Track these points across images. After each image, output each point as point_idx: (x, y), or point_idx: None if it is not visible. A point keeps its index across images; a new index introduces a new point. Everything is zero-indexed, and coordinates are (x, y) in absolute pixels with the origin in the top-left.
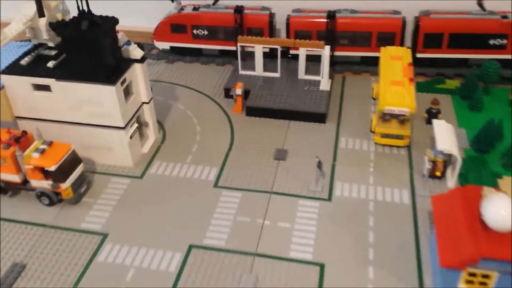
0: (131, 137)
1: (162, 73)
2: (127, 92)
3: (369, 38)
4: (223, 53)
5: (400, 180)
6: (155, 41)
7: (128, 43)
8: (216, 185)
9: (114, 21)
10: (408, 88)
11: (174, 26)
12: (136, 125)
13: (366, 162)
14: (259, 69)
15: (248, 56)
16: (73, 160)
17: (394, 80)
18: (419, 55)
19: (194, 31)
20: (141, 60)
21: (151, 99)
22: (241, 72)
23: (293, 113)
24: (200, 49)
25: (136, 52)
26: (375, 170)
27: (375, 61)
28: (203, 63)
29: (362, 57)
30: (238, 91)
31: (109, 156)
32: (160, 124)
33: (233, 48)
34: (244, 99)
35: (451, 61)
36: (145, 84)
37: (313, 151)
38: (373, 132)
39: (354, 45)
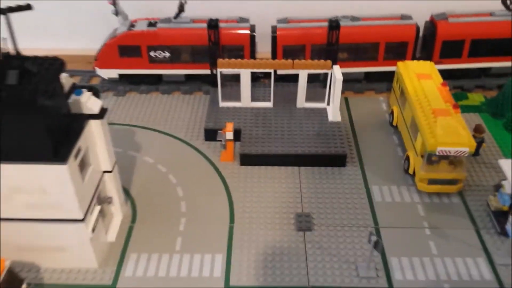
0: (93, 230)
1: (112, 110)
2: (83, 166)
3: (375, 50)
4: (189, 78)
5: (468, 244)
6: (97, 68)
7: (78, 91)
8: (227, 284)
9: (57, 64)
10: (457, 118)
11: (123, 48)
12: (98, 208)
13: (418, 220)
14: (246, 99)
15: (226, 82)
16: (11, 281)
17: (436, 108)
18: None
19: (151, 54)
20: (100, 114)
21: (115, 163)
22: (222, 104)
23: (303, 157)
24: (159, 76)
25: (91, 104)
26: (433, 232)
27: (381, 77)
28: (165, 93)
29: (366, 73)
30: (229, 135)
31: (63, 258)
32: (125, 191)
33: (204, 71)
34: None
35: (472, 71)
36: (106, 146)
37: (344, 213)
38: (409, 173)
39: (356, 59)
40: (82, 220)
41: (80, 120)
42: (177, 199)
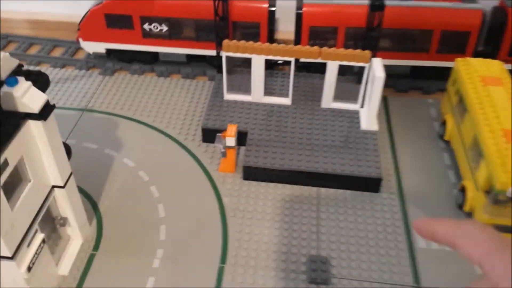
0: (29, 270)
1: (95, 94)
2: (16, 183)
3: (427, 39)
4: (192, 58)
5: None
6: (81, 40)
7: (11, 80)
8: None
9: None
10: None
11: (111, 17)
12: (40, 237)
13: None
14: (257, 93)
15: (236, 68)
16: None
17: (509, 129)
18: None
19: (146, 26)
20: (41, 114)
21: (70, 175)
22: (227, 96)
23: (324, 177)
24: (155, 54)
25: (29, 100)
26: None
27: (432, 74)
28: (161, 75)
29: (414, 67)
30: (230, 141)
31: None
32: (92, 204)
33: (210, 52)
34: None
35: None
36: (55, 155)
37: (374, 261)
38: (464, 211)
39: (402, 50)
40: (11, 258)
41: (13, 121)
42: (156, 222)
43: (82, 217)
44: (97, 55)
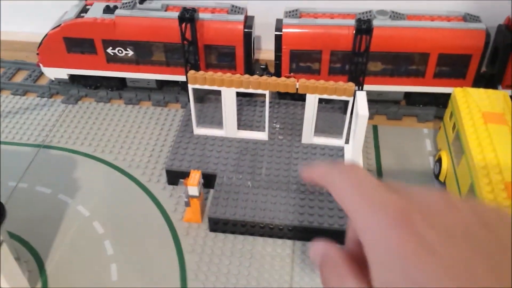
0: None
1: (54, 127)
2: None
3: (423, 63)
4: (164, 83)
5: None
6: (41, 66)
7: None
8: None
9: None
10: None
11: (71, 41)
12: None
13: None
14: (230, 127)
15: (209, 96)
16: None
17: (510, 182)
18: (505, 91)
19: (109, 51)
20: None
21: (0, 243)
22: (197, 131)
23: (300, 229)
24: (123, 79)
25: None
26: None
27: (428, 100)
28: (129, 102)
29: (408, 93)
30: (193, 190)
31: None
32: (38, 262)
33: (180, 77)
34: (204, 191)
35: None
36: None
37: None
38: None
39: (394, 74)
40: None
41: None
42: (107, 285)
43: (21, 283)
44: (60, 81)
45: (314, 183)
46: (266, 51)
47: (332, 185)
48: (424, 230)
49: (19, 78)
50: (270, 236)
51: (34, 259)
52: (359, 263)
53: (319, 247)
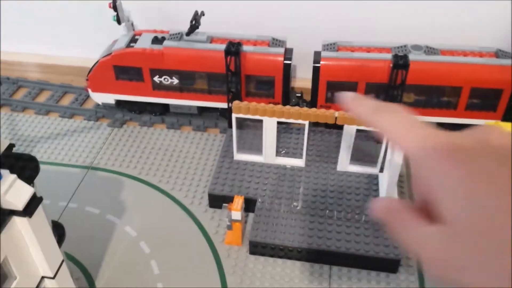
0: None
1: (101, 149)
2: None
3: (455, 96)
4: (204, 109)
5: None
6: (89, 90)
7: None
8: None
9: None
10: None
11: (120, 69)
12: None
13: None
14: (269, 154)
15: (248, 123)
16: None
17: None
18: None
19: (156, 79)
20: (26, 211)
21: (62, 263)
22: (237, 156)
23: (337, 255)
24: (166, 105)
25: (13, 196)
26: None
27: (459, 130)
28: (171, 127)
29: (440, 124)
30: (236, 215)
31: None
32: (89, 280)
33: (221, 104)
34: (244, 215)
35: None
36: (43, 249)
37: None
38: None
39: (427, 106)
40: None
41: None
42: None
43: None
44: (106, 105)
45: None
46: (301, 80)
47: (380, 123)
48: (478, 158)
49: (66, 101)
50: (308, 260)
51: (84, 276)
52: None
53: (382, 202)
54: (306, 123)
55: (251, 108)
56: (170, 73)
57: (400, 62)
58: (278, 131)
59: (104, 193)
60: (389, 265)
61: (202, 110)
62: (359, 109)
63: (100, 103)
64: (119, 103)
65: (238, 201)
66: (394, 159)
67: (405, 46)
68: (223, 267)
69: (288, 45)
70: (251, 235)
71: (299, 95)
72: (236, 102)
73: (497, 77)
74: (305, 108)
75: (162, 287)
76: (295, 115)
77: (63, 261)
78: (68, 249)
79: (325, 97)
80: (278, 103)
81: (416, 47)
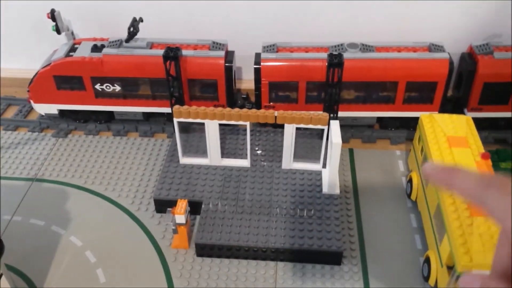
0: None
1: (46, 160)
2: None
3: (392, 90)
4: (150, 115)
5: None
6: (32, 102)
7: None
8: None
9: None
10: None
11: (61, 79)
12: None
13: None
14: (214, 156)
15: (194, 126)
16: None
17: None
18: (470, 114)
19: (97, 87)
20: None
21: (0, 276)
22: (183, 160)
23: (283, 251)
24: (111, 112)
25: None
26: None
27: (400, 124)
28: (117, 134)
29: (380, 117)
30: (180, 218)
31: None
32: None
33: (166, 110)
34: (191, 218)
35: None
36: None
37: None
38: (429, 284)
39: (367, 101)
40: None
41: None
42: None
43: None
44: (50, 116)
45: (450, 189)
46: (247, 81)
47: (487, 203)
48: None
49: (10, 113)
50: (255, 258)
51: None
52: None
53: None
54: (247, 124)
55: (192, 112)
56: (112, 80)
57: (335, 60)
58: (224, 132)
59: (49, 205)
60: (333, 258)
61: (148, 115)
62: (461, 185)
63: (43, 113)
64: (62, 113)
65: (182, 205)
66: (333, 156)
67: (341, 45)
68: (170, 272)
69: (230, 48)
70: (197, 237)
71: (245, 96)
72: (176, 107)
73: (431, 70)
74: (245, 110)
75: None
76: (235, 117)
77: (1, 275)
78: (13, 262)
79: (269, 97)
80: (223, 105)
81: (352, 45)
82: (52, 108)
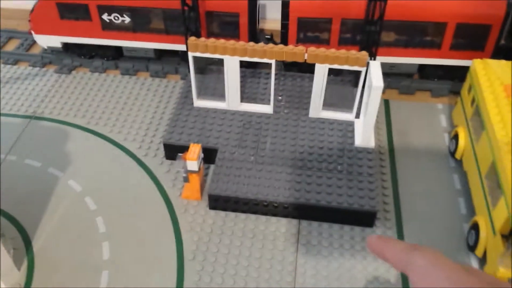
0: None
1: (46, 97)
2: None
3: (439, 34)
4: (163, 53)
5: None
6: (33, 33)
7: None
8: None
9: None
10: None
11: (64, 7)
12: None
13: None
14: (233, 100)
15: (211, 67)
16: None
17: None
18: None
19: (105, 17)
20: None
21: None
22: (198, 103)
23: (307, 208)
24: (119, 48)
25: None
26: None
27: (444, 74)
28: (126, 73)
29: (422, 66)
30: (192, 165)
31: None
32: (25, 240)
33: (180, 47)
34: (204, 167)
35: None
36: None
37: None
38: (475, 254)
39: (409, 45)
40: None
41: None
42: (98, 266)
43: (7, 263)
44: (53, 50)
45: (384, 259)
46: (272, 21)
47: (411, 265)
48: None
49: (11, 47)
50: (275, 215)
51: (21, 236)
52: None
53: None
54: (273, 62)
55: (209, 46)
56: (120, 10)
57: None
58: (245, 76)
59: (47, 145)
60: (365, 218)
61: (160, 53)
62: (390, 255)
63: (45, 47)
64: (67, 47)
65: (195, 150)
66: (372, 102)
67: None
68: (179, 224)
69: None
70: (211, 188)
71: (269, 37)
72: (192, 39)
73: (485, 11)
74: (271, 45)
75: (108, 247)
76: (259, 53)
77: None
78: (4, 206)
79: (297, 37)
80: None
81: None
82: (55, 41)
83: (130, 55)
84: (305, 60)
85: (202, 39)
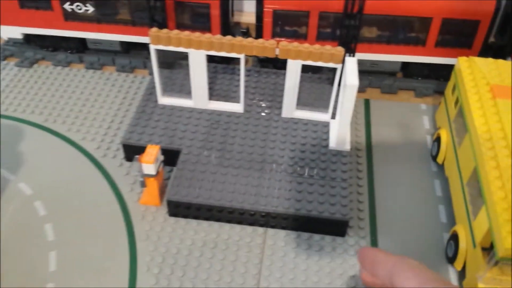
0: None
1: (3, 93)
2: None
3: (424, 29)
4: (131, 46)
5: None
6: None
7: None
8: None
9: None
10: None
11: None
12: None
13: None
14: (200, 97)
15: (179, 61)
16: None
17: None
18: None
19: (67, 6)
20: None
21: None
22: (163, 100)
23: (274, 216)
24: (83, 41)
25: None
26: None
27: (428, 72)
28: (91, 67)
29: (405, 63)
30: (148, 168)
31: None
32: None
33: (147, 39)
34: (166, 170)
35: None
36: None
37: None
38: (454, 266)
39: (391, 41)
40: None
41: None
42: (44, 277)
43: None
44: (16, 41)
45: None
46: (249, 14)
47: (397, 276)
48: None
49: None
50: (239, 222)
51: None
52: None
53: None
54: (242, 56)
55: (173, 38)
56: None
57: None
58: (216, 72)
59: None
60: (336, 227)
61: (128, 47)
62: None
63: (5, 38)
64: (28, 38)
65: (152, 152)
66: (346, 102)
67: None
68: (134, 232)
69: None
70: (170, 193)
71: (244, 30)
72: (153, 30)
73: (473, 6)
74: (240, 38)
75: (56, 256)
76: (227, 47)
77: None
78: None
79: (272, 31)
80: None
81: None
82: (16, 32)
83: (96, 48)
84: (277, 55)
85: (165, 30)
